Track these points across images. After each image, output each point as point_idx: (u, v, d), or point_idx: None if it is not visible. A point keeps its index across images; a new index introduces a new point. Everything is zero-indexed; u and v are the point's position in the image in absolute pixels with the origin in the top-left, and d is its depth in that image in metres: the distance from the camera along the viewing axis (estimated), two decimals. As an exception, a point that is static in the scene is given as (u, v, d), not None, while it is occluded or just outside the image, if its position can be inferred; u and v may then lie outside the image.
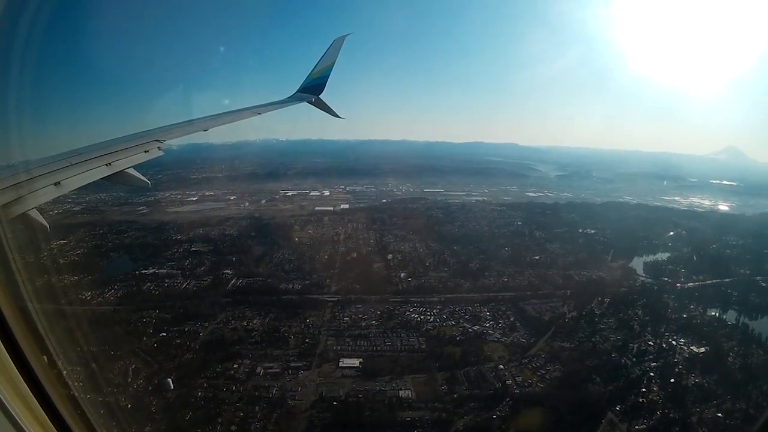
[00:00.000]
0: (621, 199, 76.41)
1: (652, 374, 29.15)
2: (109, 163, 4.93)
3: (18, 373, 2.41)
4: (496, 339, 32.58)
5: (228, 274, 43.33)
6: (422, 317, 35.16)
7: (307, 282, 41.49)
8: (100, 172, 4.79)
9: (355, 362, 30.21)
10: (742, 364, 29.58)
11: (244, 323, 35.32)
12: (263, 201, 76.85)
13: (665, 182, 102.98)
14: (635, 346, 32.06)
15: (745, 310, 36.84)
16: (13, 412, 2.19)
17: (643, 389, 27.76)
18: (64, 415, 2.74)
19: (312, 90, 10.73)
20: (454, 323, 34.42)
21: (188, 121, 7.52)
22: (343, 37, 11.29)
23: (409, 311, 35.98)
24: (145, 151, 5.61)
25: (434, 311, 36.04)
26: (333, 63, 10.85)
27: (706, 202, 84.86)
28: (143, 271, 44.06)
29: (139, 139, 5.87)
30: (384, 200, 77.51)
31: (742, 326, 34.25)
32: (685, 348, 31.84)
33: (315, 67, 10.92)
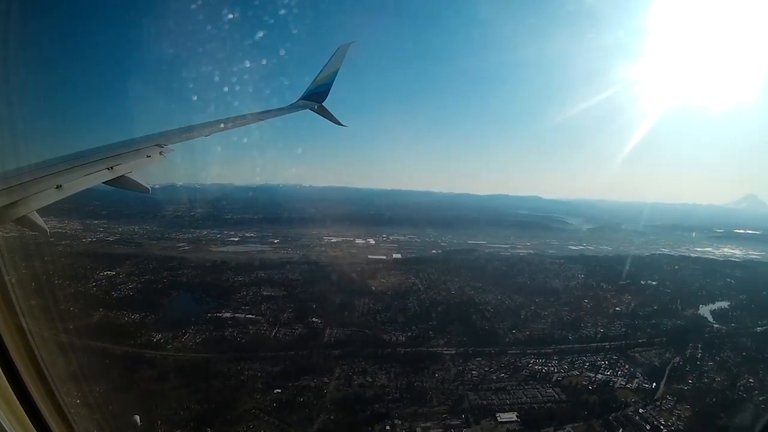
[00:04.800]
0: (660, 252, 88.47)
1: (763, 407, 37.89)
2: (111, 167, 5.23)
3: None
4: (622, 385, 39.14)
5: (317, 323, 46.82)
6: (546, 368, 41.13)
7: (409, 334, 45.98)
8: (101, 176, 5.08)
9: (512, 416, 34.38)
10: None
11: (369, 379, 38.15)
12: (310, 246, 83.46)
13: (694, 233, 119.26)
14: (740, 383, 39.99)
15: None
16: None
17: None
18: None
19: (316, 97, 11.40)
20: (577, 373, 40.74)
21: (188, 126, 7.86)
22: (347, 45, 12.05)
23: (530, 363, 42.01)
24: (147, 156, 5.98)
25: (553, 362, 42.26)
26: (337, 70, 11.54)
27: (738, 252, 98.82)
28: (217, 315, 47.05)
29: (140, 144, 6.29)
30: (434, 251, 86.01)
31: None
32: (780, 382, 41.23)
33: (319, 74, 11.62)
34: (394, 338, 45.28)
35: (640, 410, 36.48)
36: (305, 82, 11.93)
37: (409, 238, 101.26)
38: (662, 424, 34.87)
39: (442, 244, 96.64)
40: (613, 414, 35.57)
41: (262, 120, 9.40)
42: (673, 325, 51.11)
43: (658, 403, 37.62)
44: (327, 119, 11.48)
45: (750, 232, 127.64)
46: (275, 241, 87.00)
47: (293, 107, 10.96)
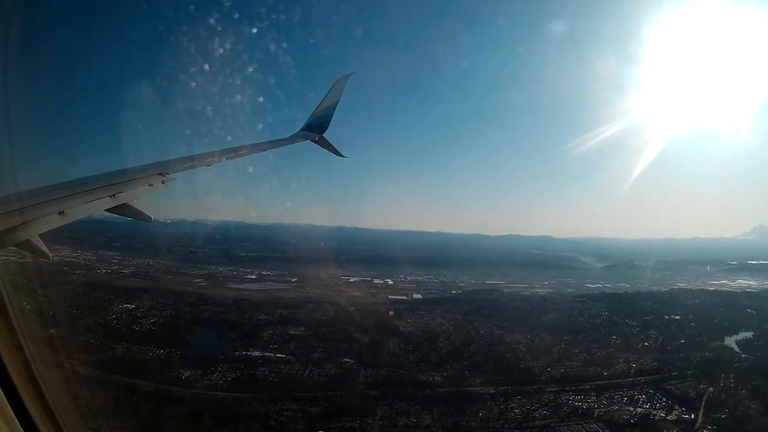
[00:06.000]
0: (677, 286, 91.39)
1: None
2: (113, 195, 5.40)
3: None
4: (662, 417, 41.14)
5: (350, 362, 48.49)
6: (586, 404, 43.05)
7: (445, 374, 47.86)
8: (104, 204, 5.24)
9: (569, 452, 36.76)
10: None
11: (414, 419, 39.81)
12: (329, 286, 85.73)
13: (708, 267, 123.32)
14: (774, 409, 43.05)
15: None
16: None
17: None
18: None
19: (316, 128, 11.60)
20: (617, 408, 42.58)
21: (189, 156, 7.99)
22: (347, 76, 12.37)
23: (570, 400, 44.03)
24: (150, 185, 6.20)
25: (592, 398, 44.33)
26: (337, 101, 11.80)
27: (753, 283, 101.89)
28: (246, 353, 48.62)
29: (142, 172, 6.51)
30: (453, 291, 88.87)
31: None
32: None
33: (318, 105, 11.84)
34: (431, 378, 47.09)
35: (684, 441, 38.76)
36: (305, 115, 12.25)
37: (427, 278, 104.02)
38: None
39: (461, 284, 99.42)
40: (659, 445, 37.88)
41: (264, 150, 9.51)
42: (702, 357, 53.37)
43: (701, 433, 39.83)
44: (328, 150, 11.79)
45: (763, 262, 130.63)
46: (293, 279, 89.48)
47: (293, 138, 11.19)
